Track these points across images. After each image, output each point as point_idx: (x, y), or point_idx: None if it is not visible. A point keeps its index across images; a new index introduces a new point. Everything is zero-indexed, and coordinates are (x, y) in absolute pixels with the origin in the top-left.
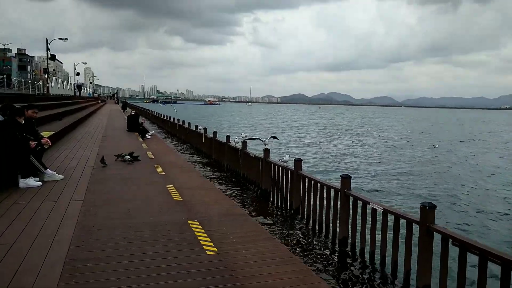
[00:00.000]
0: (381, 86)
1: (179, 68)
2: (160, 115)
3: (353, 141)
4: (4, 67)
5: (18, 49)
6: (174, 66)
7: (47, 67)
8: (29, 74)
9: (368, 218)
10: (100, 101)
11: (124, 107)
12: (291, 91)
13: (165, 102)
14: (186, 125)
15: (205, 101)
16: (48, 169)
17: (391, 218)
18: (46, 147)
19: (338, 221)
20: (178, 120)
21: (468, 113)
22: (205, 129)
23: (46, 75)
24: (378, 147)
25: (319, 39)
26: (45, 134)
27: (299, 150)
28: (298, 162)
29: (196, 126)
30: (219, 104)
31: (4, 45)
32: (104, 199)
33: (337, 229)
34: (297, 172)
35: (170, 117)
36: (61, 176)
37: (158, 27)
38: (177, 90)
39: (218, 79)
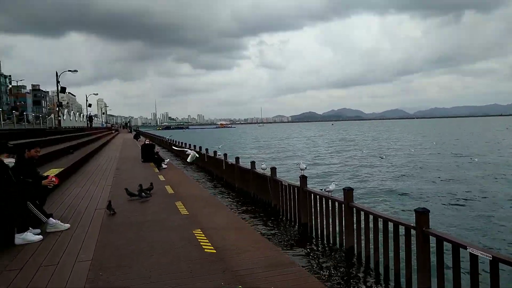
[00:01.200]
0: (391, 99)
1: (189, 94)
2: (173, 141)
3: (382, 157)
4: (19, 103)
5: (32, 85)
6: (184, 93)
7: (58, 99)
8: (43, 109)
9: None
10: (113, 131)
11: (137, 136)
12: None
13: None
14: (203, 151)
15: (217, 124)
16: (51, 218)
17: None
18: (50, 186)
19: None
20: (195, 146)
21: (488, 121)
22: (225, 155)
23: (57, 108)
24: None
25: (326, 57)
26: (53, 171)
27: (342, 175)
28: (349, 191)
29: (215, 153)
30: (231, 127)
31: (17, 82)
32: (118, 255)
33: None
34: (348, 204)
35: (185, 144)
36: (67, 226)
37: (166, 55)
38: (189, 115)
39: (228, 103)
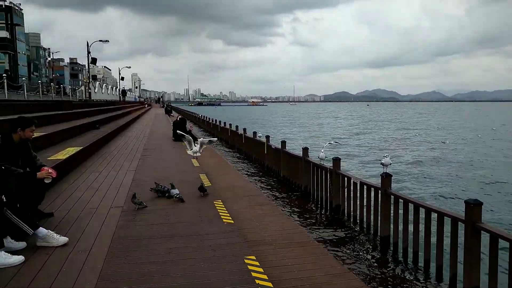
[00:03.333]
0: (427, 81)
1: (222, 70)
2: (207, 119)
3: (444, 142)
4: (56, 76)
5: (70, 59)
6: (216, 69)
7: (88, 70)
8: (80, 82)
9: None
10: (146, 105)
11: (168, 111)
12: (334, 89)
13: (210, 104)
14: (240, 131)
15: (249, 102)
16: (40, 228)
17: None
18: (47, 181)
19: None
20: (230, 125)
21: None
22: (267, 137)
23: (87, 80)
24: None
25: (361, 36)
26: (69, 151)
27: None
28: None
29: (255, 133)
30: (262, 105)
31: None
32: None
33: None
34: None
35: (220, 122)
36: (63, 240)
37: (200, 31)
38: (220, 92)
39: (260, 80)
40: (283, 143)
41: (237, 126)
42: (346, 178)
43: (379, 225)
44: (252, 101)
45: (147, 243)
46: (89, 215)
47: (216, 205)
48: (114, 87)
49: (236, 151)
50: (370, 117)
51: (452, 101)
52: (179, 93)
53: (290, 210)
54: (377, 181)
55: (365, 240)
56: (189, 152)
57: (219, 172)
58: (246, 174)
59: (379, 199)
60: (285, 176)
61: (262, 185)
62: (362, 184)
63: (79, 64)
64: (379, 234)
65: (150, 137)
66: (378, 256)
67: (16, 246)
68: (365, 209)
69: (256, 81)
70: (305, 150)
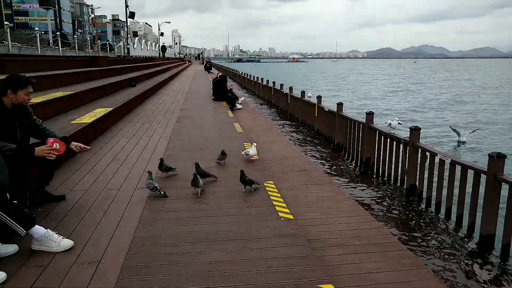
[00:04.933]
0: (481, 36)
1: (262, 26)
2: (248, 76)
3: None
4: (99, 33)
5: (112, 15)
6: (256, 25)
7: (126, 25)
8: (122, 38)
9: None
10: (187, 62)
11: (208, 68)
12: (377, 45)
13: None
14: (285, 90)
15: (289, 58)
16: (36, 227)
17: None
18: (51, 157)
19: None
20: (274, 83)
21: None
22: (319, 97)
23: (126, 36)
24: None
25: None
26: (97, 112)
27: None
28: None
29: (303, 93)
30: (303, 61)
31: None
32: None
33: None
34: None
35: (262, 79)
36: (67, 244)
37: None
38: (260, 48)
39: (300, 36)
40: (340, 105)
41: (281, 85)
42: (428, 154)
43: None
44: (293, 58)
45: (175, 250)
46: (108, 200)
47: (267, 188)
48: (154, 43)
49: (280, 112)
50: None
51: (508, 57)
52: (219, 50)
53: (354, 191)
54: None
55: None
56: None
57: (265, 138)
58: (294, 140)
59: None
60: (340, 144)
61: (314, 155)
62: (459, 165)
63: (120, 20)
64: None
65: (188, 95)
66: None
67: (3, 251)
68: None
69: (297, 37)
70: (370, 115)
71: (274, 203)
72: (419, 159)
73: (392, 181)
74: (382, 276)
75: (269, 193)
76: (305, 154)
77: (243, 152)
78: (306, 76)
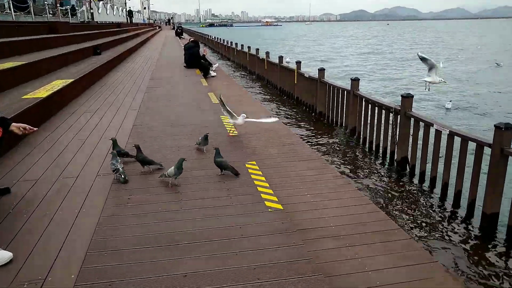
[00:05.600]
0: None
1: None
2: (221, 41)
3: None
4: None
5: None
6: None
7: None
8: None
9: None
10: (157, 27)
11: (179, 33)
12: (351, 8)
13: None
14: (261, 55)
15: (262, 22)
16: None
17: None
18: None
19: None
20: (249, 48)
21: None
22: (298, 63)
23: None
24: None
25: None
26: (56, 84)
27: None
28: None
29: (281, 58)
30: (277, 25)
31: None
32: None
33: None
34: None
35: (236, 44)
36: (5, 257)
37: None
38: (232, 12)
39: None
40: (321, 71)
41: (257, 49)
42: (423, 124)
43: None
44: (266, 21)
45: (142, 258)
46: (62, 193)
47: (250, 170)
48: (121, 8)
49: (257, 79)
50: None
51: (478, 18)
52: (190, 14)
53: (342, 167)
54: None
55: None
56: (230, 121)
57: (243, 109)
58: (273, 110)
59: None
60: (322, 113)
61: (297, 127)
62: (459, 136)
63: None
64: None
65: (159, 63)
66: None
67: None
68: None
69: (269, 1)
70: (355, 81)
71: (259, 189)
72: (411, 130)
73: (380, 153)
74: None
75: (253, 176)
76: (286, 125)
77: (231, 121)
78: (282, 40)
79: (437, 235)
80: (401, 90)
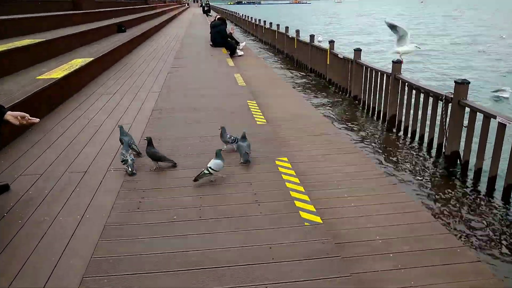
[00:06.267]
0: None
1: None
2: (249, 18)
3: None
4: None
5: None
6: None
7: None
8: None
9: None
10: (186, 4)
11: (206, 11)
12: None
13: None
14: (291, 33)
15: (291, 0)
16: None
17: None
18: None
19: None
20: (278, 26)
21: None
22: (331, 42)
23: None
24: None
25: None
26: (73, 64)
27: None
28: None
29: (312, 37)
30: (305, 3)
31: None
32: None
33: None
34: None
35: (264, 22)
36: None
37: None
38: None
39: None
40: (357, 52)
41: (286, 28)
42: (498, 123)
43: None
44: None
45: (149, 284)
46: (67, 191)
47: (280, 169)
48: None
49: (286, 59)
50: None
51: None
52: None
53: (384, 162)
54: None
55: None
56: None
57: (272, 92)
58: (303, 92)
59: None
60: (358, 97)
61: (329, 113)
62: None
63: None
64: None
65: (184, 41)
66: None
67: None
68: None
69: None
70: (397, 64)
71: (292, 194)
72: (465, 121)
73: (425, 145)
74: None
75: (284, 176)
76: (317, 109)
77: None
78: (312, 19)
79: (506, 256)
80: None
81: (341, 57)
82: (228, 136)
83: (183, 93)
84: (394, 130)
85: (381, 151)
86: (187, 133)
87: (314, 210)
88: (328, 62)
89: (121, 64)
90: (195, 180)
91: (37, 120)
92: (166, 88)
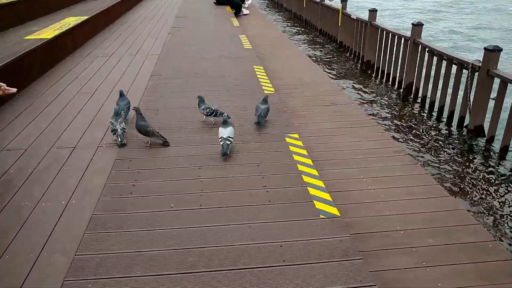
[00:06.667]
0: None
1: None
2: None
3: None
4: None
5: None
6: None
7: None
8: None
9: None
10: None
11: None
12: None
13: None
14: None
15: None
16: None
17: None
18: None
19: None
20: None
21: None
22: (344, 1)
23: None
24: None
25: None
26: (65, 24)
27: None
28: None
29: None
30: None
31: None
32: None
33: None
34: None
35: None
36: None
37: None
38: None
39: None
40: (373, 12)
41: None
42: None
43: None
44: None
45: (143, 281)
46: (52, 169)
47: (291, 148)
48: None
49: (294, 18)
50: None
51: None
52: None
53: (401, 135)
54: None
55: None
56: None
57: (279, 54)
58: (311, 55)
59: None
60: (371, 62)
61: (340, 79)
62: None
63: None
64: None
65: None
66: None
67: None
68: None
69: None
70: (417, 27)
71: (305, 178)
72: (494, 93)
73: (445, 117)
74: None
75: (296, 157)
76: (329, 76)
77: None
78: None
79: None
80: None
81: (354, 18)
82: (203, 107)
83: (183, 55)
84: (411, 100)
85: (398, 124)
86: (186, 103)
87: (331, 199)
88: (339, 24)
89: (118, 23)
90: (225, 155)
91: (14, 90)
92: (166, 50)
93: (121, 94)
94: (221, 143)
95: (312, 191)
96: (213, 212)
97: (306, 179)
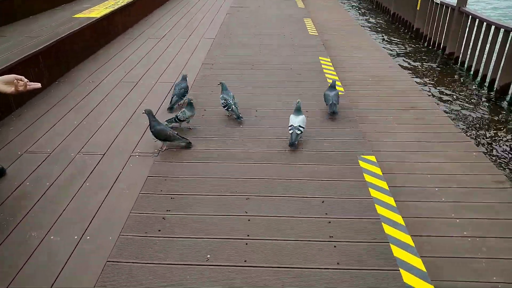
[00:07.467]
0: None
1: None
2: None
3: None
4: None
5: None
6: None
7: None
8: None
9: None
10: None
11: None
12: None
13: None
14: None
15: None
16: None
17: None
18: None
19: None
20: None
21: None
22: None
23: None
24: None
25: None
26: (98, 12)
27: None
28: None
29: None
30: None
31: None
32: None
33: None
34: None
35: None
36: None
37: None
38: None
39: None
40: None
41: None
42: None
43: None
44: None
45: None
46: (75, 182)
47: (367, 177)
48: None
49: (365, 1)
50: None
51: None
52: None
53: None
54: None
55: None
56: None
57: (349, 44)
58: (384, 44)
59: None
60: (456, 56)
61: (418, 76)
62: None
63: None
64: None
65: None
66: None
67: None
68: None
69: None
70: None
71: (387, 229)
72: None
73: None
74: None
75: (372, 192)
76: (405, 71)
77: None
78: None
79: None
80: None
81: (438, 2)
82: (221, 96)
83: (240, 42)
84: (505, 105)
85: (491, 141)
86: (241, 103)
87: (424, 269)
88: (418, 8)
89: (175, 0)
90: (292, 145)
91: (38, 85)
92: (222, 34)
93: (184, 78)
94: (290, 132)
95: (396, 251)
96: (260, 272)
97: (387, 230)
